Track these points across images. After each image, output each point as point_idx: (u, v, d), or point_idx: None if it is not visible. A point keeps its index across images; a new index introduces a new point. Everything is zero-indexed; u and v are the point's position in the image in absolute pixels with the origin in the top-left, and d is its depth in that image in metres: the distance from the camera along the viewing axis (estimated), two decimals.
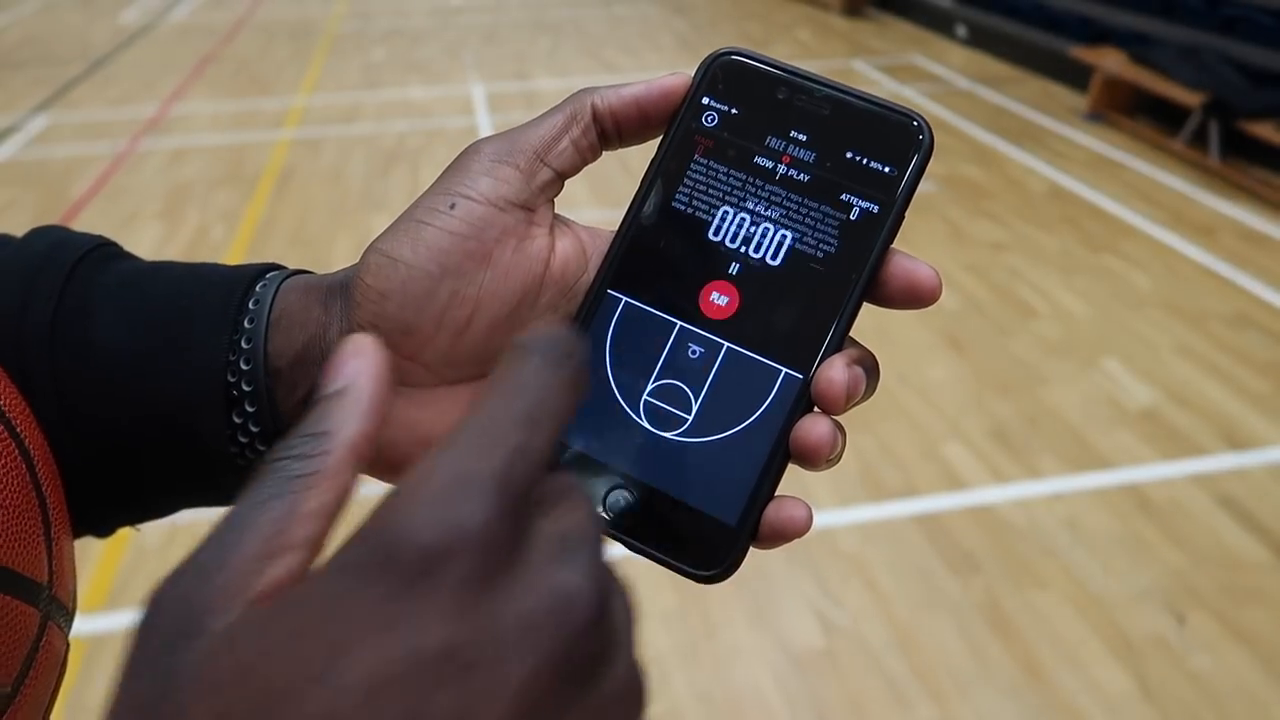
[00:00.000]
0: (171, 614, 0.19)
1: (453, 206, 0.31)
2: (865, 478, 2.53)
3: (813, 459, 0.31)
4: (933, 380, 2.95)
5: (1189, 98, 4.58)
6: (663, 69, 6.26)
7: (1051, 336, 3.19)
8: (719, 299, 0.32)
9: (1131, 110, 5.30)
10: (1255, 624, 2.06)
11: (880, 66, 6.61)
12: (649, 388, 0.32)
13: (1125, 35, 5.55)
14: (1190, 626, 2.05)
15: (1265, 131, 4.20)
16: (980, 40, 6.97)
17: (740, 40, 7.28)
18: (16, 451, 0.30)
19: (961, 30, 7.21)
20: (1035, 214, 4.15)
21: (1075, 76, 5.74)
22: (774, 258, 0.32)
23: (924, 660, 1.99)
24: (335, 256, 3.84)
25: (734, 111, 0.33)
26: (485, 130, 5.22)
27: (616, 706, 0.20)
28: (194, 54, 7.36)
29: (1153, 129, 5.04)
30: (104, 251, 0.36)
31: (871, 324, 2.27)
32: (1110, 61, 5.22)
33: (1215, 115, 4.42)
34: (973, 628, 2.06)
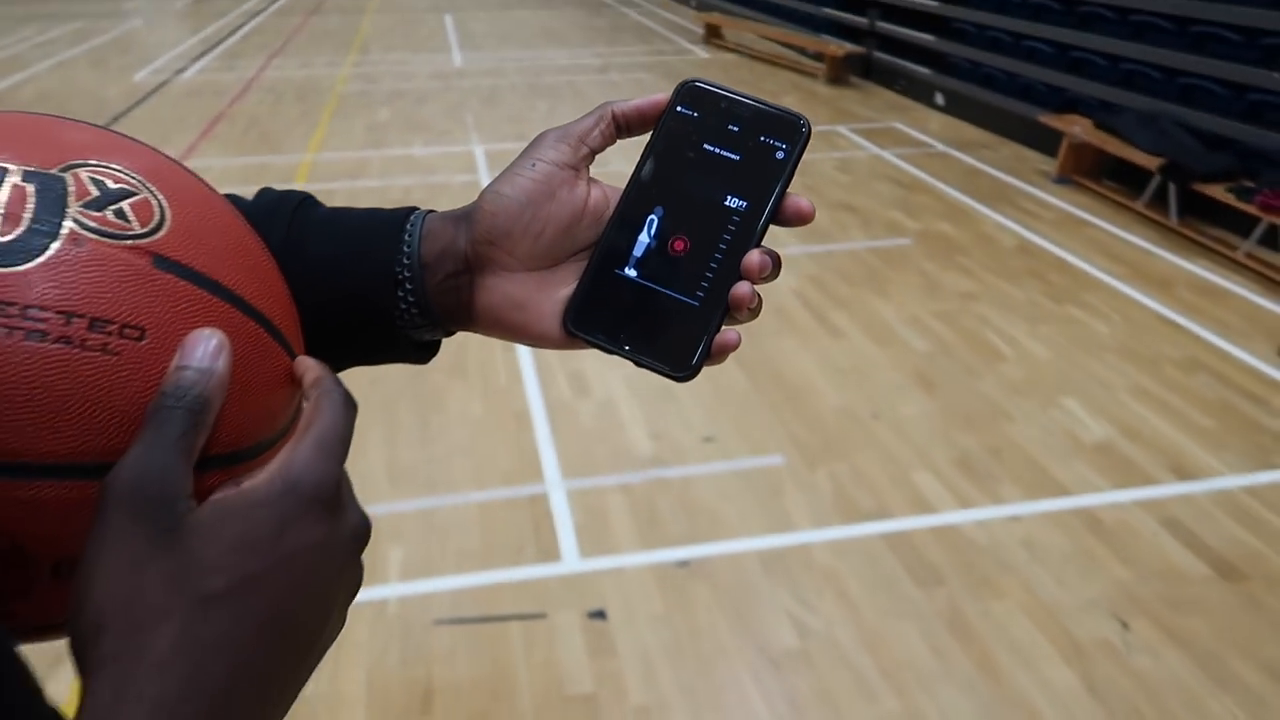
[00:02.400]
0: (141, 502, 0.36)
1: (533, 166, 0.52)
2: (839, 501, 2.72)
3: (739, 308, 0.51)
4: (904, 415, 3.17)
5: (1149, 161, 4.89)
6: None
7: (1015, 378, 3.42)
8: (688, 218, 0.53)
9: (1097, 173, 5.62)
10: (1193, 630, 2.25)
11: (861, 131, 6.95)
12: (644, 255, 0.52)
13: (1091, 104, 5.90)
14: (1133, 632, 2.24)
15: (1217, 193, 4.49)
16: (957, 108, 7.34)
17: None
18: (271, 338, 0.48)
19: (940, 98, 7.58)
20: (1004, 267, 4.41)
21: (1045, 142, 6.07)
22: (720, 198, 0.53)
23: (890, 660, 2.17)
24: None
25: (695, 114, 0.54)
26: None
27: (356, 539, 0.41)
28: (205, 112, 7.68)
29: (1117, 191, 5.35)
30: (310, 200, 0.57)
31: (850, 365, 2.54)
32: (1076, 128, 5.55)
33: (1172, 177, 4.72)
34: (935, 632, 2.24)
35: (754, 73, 9.24)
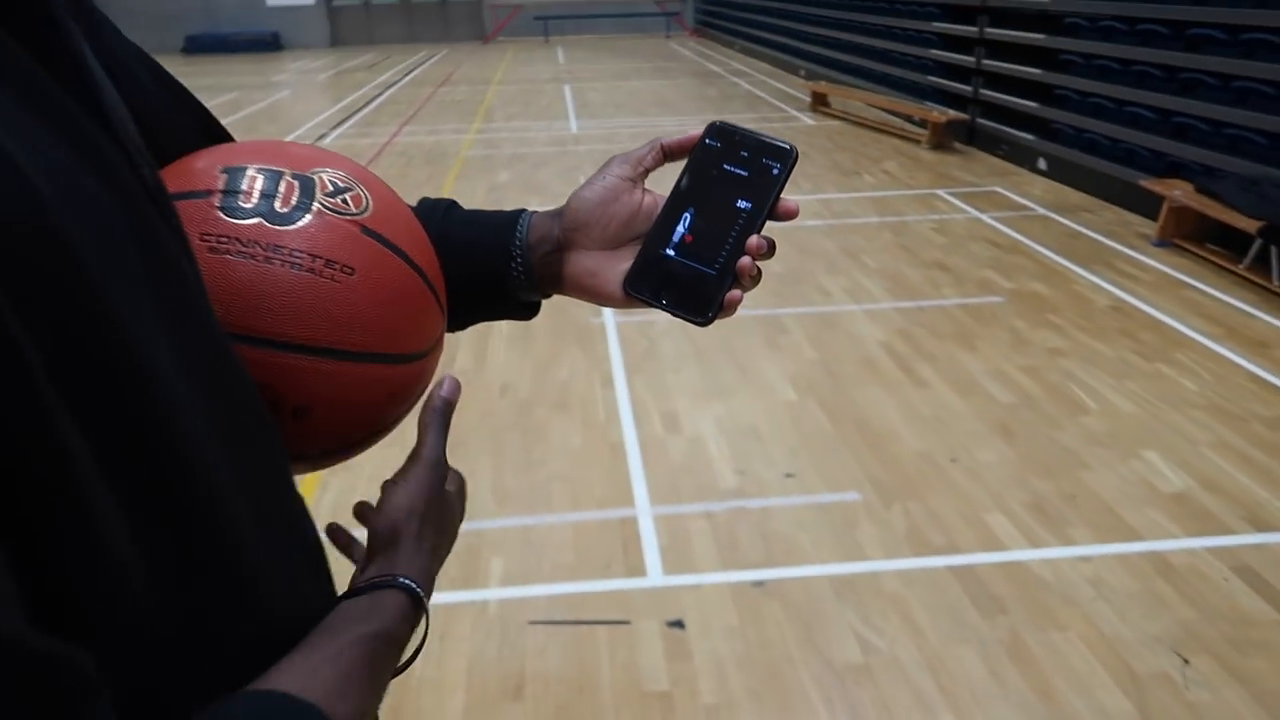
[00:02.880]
0: (437, 466, 0.69)
1: (604, 178, 0.78)
2: (911, 536, 2.87)
3: (743, 276, 0.75)
4: (981, 461, 3.29)
5: (1249, 224, 4.89)
6: None
7: (1097, 429, 3.49)
8: (710, 216, 0.77)
9: (1200, 237, 5.60)
10: (1256, 670, 2.31)
11: (961, 195, 7.08)
12: (679, 240, 0.77)
13: (1194, 169, 5.90)
14: (1194, 667, 2.31)
15: None
16: (1060, 172, 7.39)
17: (829, 169, 7.88)
18: (432, 295, 0.75)
19: (1042, 163, 7.64)
20: (1095, 326, 4.48)
21: (1147, 206, 6.08)
22: (733, 201, 0.77)
23: (949, 680, 2.30)
24: (461, 346, 4.43)
25: (718, 144, 0.79)
26: None
27: (462, 488, 0.71)
28: None
29: (1219, 254, 5.33)
30: (456, 204, 0.85)
31: (931, 413, 2.73)
32: (1177, 191, 5.57)
33: (1272, 240, 4.71)
34: (995, 657, 2.37)
35: (858, 139, 9.47)
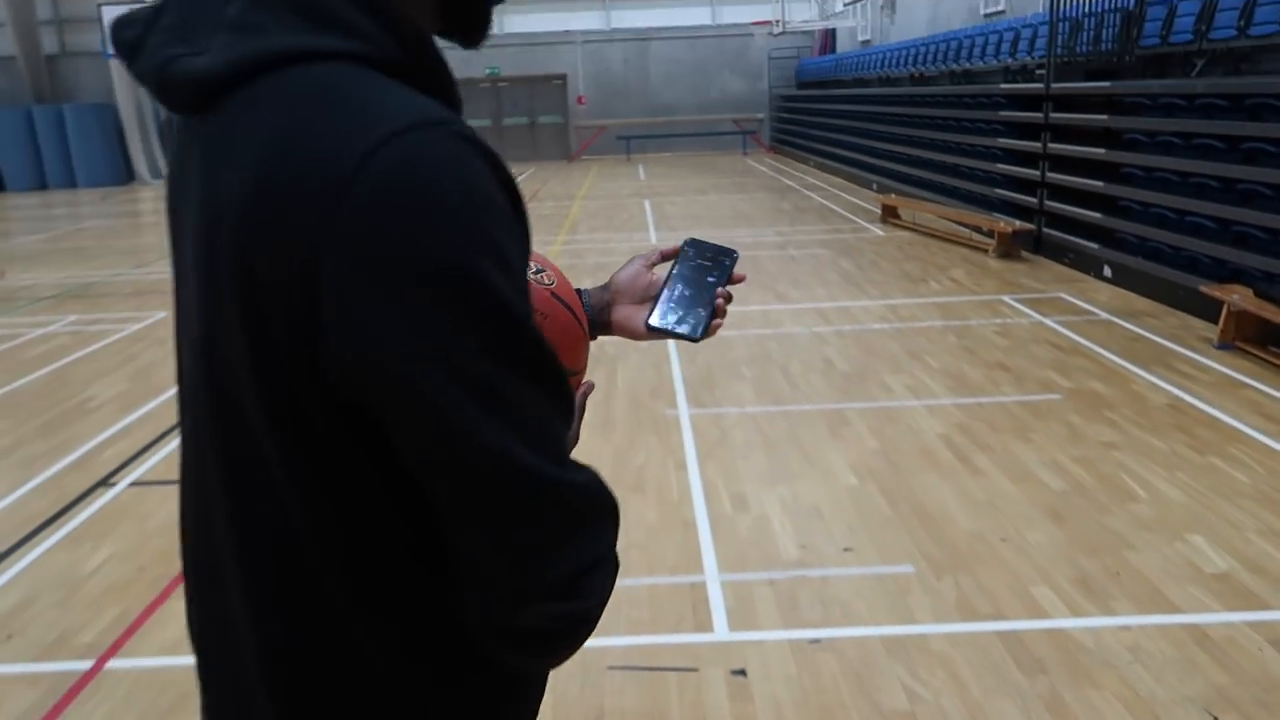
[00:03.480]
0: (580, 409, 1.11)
1: (631, 266, 1.23)
2: (960, 604, 3.10)
3: (718, 314, 1.18)
4: (1031, 541, 3.50)
5: None
6: (828, 301, 7.16)
7: (1145, 515, 3.68)
8: (694, 285, 1.19)
9: (1262, 340, 5.74)
10: None
11: (1026, 300, 7.34)
12: (675, 300, 1.18)
13: (1254, 275, 6.08)
14: None
15: None
16: (1124, 279, 7.60)
17: (897, 276, 8.23)
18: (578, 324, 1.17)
19: (1107, 270, 7.87)
20: (1151, 422, 4.66)
21: (1210, 311, 6.25)
22: (706, 278, 1.19)
23: None
24: None
25: (692, 250, 1.22)
26: (677, 356, 6.26)
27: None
28: None
29: None
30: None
31: (985, 498, 3.07)
32: (1235, 295, 5.76)
33: None
34: (1033, 710, 2.57)
35: (927, 248, 9.83)
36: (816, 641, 2.92)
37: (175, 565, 3.42)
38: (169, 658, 2.98)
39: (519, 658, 0.83)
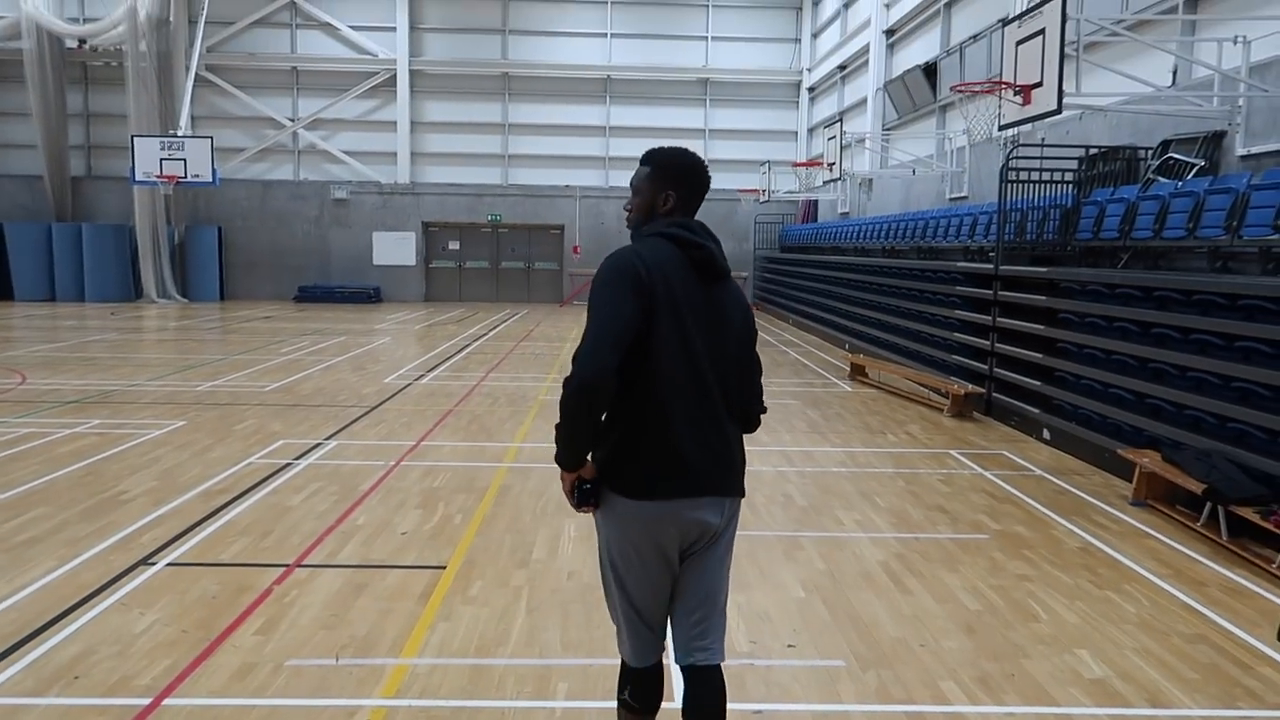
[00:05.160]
0: None
1: None
2: (879, 692, 3.72)
3: None
4: (945, 647, 4.15)
5: (1198, 487, 5.83)
6: (794, 447, 7.91)
7: (1044, 633, 4.34)
8: None
9: (1171, 499, 6.52)
10: None
11: (971, 455, 8.13)
12: None
13: (1166, 442, 6.91)
14: None
15: (1248, 514, 5.37)
16: (1060, 442, 8.43)
17: (859, 428, 9.03)
18: None
19: (1046, 433, 8.71)
20: (1062, 561, 5.36)
21: (1128, 472, 7.05)
22: None
23: None
24: (538, 543, 5.49)
25: None
26: None
27: None
28: (439, 408, 9.79)
29: (1185, 515, 6.22)
30: None
31: (911, 613, 3.91)
32: (1145, 459, 6.57)
33: (1213, 499, 5.64)
34: None
35: (889, 405, 10.70)
36: (759, 712, 3.53)
37: (214, 629, 4.09)
38: (217, 699, 3.55)
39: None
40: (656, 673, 2.87)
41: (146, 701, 3.51)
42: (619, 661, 2.90)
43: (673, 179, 2.73)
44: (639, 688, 2.84)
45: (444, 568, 5.04)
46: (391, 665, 3.87)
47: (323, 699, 3.56)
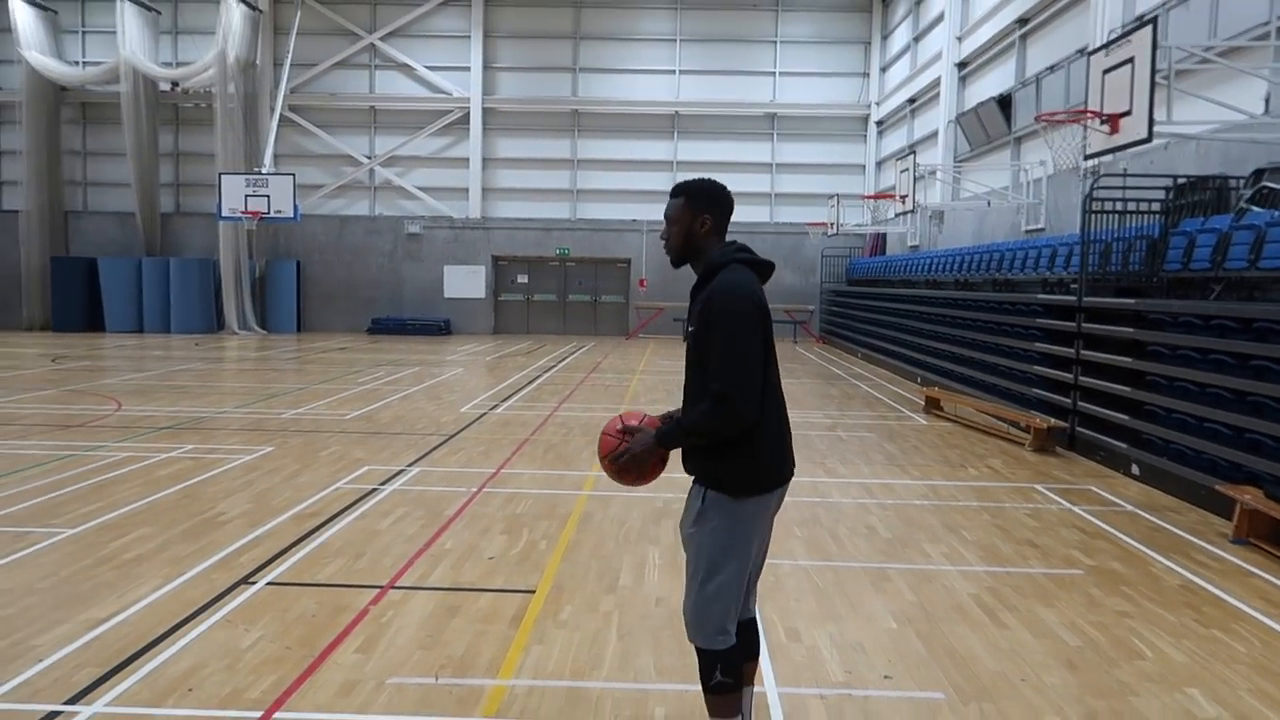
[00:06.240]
0: None
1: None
2: None
3: None
4: (1047, 683, 4.05)
5: None
6: (873, 479, 7.83)
7: (1150, 671, 4.21)
8: None
9: (1274, 538, 6.28)
10: None
11: (1057, 490, 7.94)
12: None
13: (1266, 478, 6.67)
14: None
15: None
16: (1151, 478, 8.19)
17: (938, 461, 8.90)
18: None
19: (1135, 469, 8.47)
20: (1163, 598, 5.20)
21: (1226, 509, 6.81)
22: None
23: None
24: (624, 569, 5.51)
25: None
26: None
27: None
28: (516, 437, 9.92)
29: None
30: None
31: (1009, 647, 3.98)
32: (1247, 495, 6.35)
33: None
34: None
35: (967, 439, 10.52)
36: None
37: (317, 646, 4.18)
38: (325, 714, 3.63)
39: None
40: (739, 639, 3.15)
41: (258, 715, 3.61)
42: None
43: (706, 204, 3.08)
44: (732, 662, 3.06)
45: (533, 592, 5.09)
46: (490, 685, 3.92)
47: (426, 716, 3.62)
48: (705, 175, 3.20)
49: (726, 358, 2.84)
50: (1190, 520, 7.01)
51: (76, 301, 25.62)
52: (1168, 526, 6.81)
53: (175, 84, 25.85)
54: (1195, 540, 6.44)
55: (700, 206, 3.06)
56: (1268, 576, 5.66)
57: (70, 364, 16.98)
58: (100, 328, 25.54)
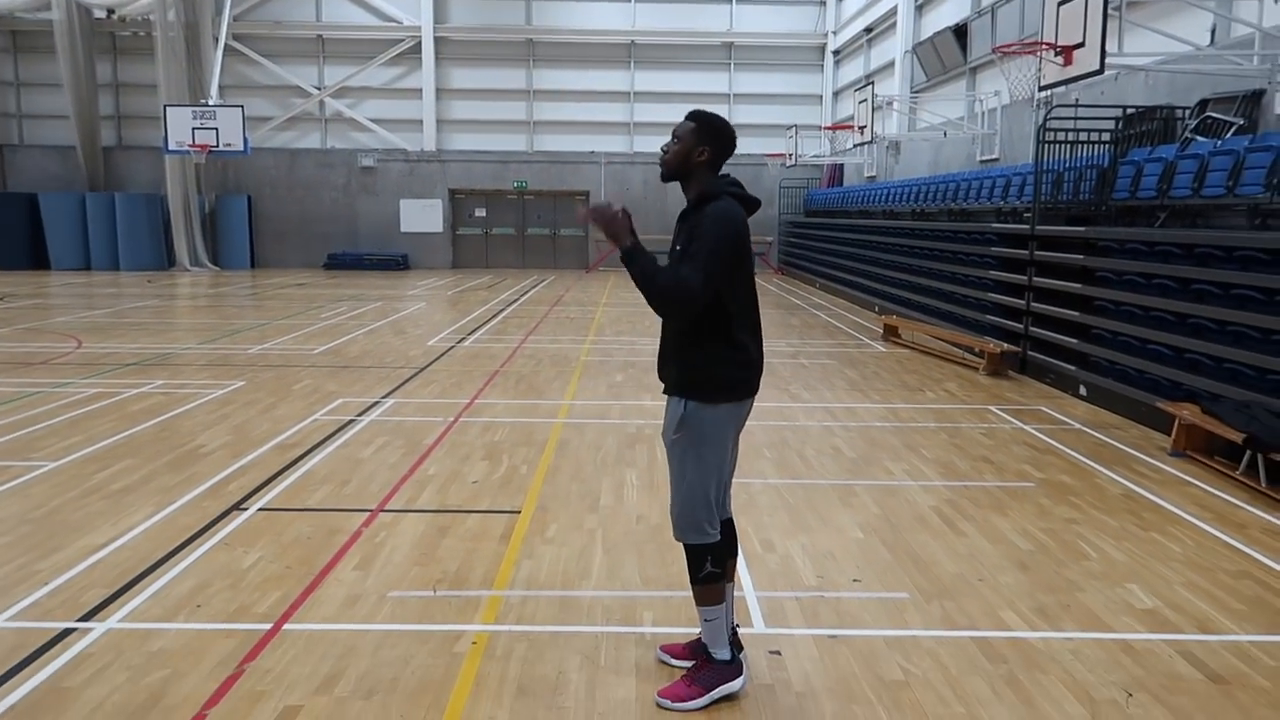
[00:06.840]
0: None
1: None
2: (944, 619, 3.97)
3: None
4: (1001, 582, 4.40)
5: (1238, 437, 6.02)
6: (836, 404, 8.11)
7: (1095, 570, 4.57)
8: None
9: (1209, 450, 6.71)
10: (1180, 703, 3.32)
11: (1010, 411, 8.34)
12: None
13: (1203, 395, 7.09)
14: (1135, 698, 3.34)
15: None
16: (1097, 398, 8.62)
17: (897, 385, 9.25)
18: None
19: (1083, 389, 8.90)
20: (1107, 506, 5.58)
21: (1166, 425, 7.23)
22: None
23: (963, 693, 3.37)
24: (603, 491, 5.76)
25: None
26: None
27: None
28: (486, 369, 10.07)
29: (1223, 464, 6.42)
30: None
31: (966, 552, 4.32)
32: (1185, 411, 6.76)
33: (1252, 447, 5.83)
34: (995, 684, 3.43)
35: (923, 364, 10.89)
36: (834, 636, 3.80)
37: (316, 565, 4.38)
38: (330, 624, 3.84)
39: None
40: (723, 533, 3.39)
41: (268, 626, 3.81)
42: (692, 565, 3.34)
43: (710, 137, 3.27)
44: (719, 553, 3.31)
45: (518, 512, 5.32)
46: (486, 596, 4.16)
47: (430, 625, 3.85)
48: (715, 111, 3.39)
49: (698, 258, 3.11)
50: (1133, 436, 7.43)
51: (19, 238, 24.96)
52: (1112, 442, 7.22)
53: (111, 11, 24.86)
54: (1137, 454, 6.86)
55: (704, 138, 3.27)
56: (1202, 485, 6.07)
57: (21, 302, 16.67)
58: (45, 265, 24.94)
